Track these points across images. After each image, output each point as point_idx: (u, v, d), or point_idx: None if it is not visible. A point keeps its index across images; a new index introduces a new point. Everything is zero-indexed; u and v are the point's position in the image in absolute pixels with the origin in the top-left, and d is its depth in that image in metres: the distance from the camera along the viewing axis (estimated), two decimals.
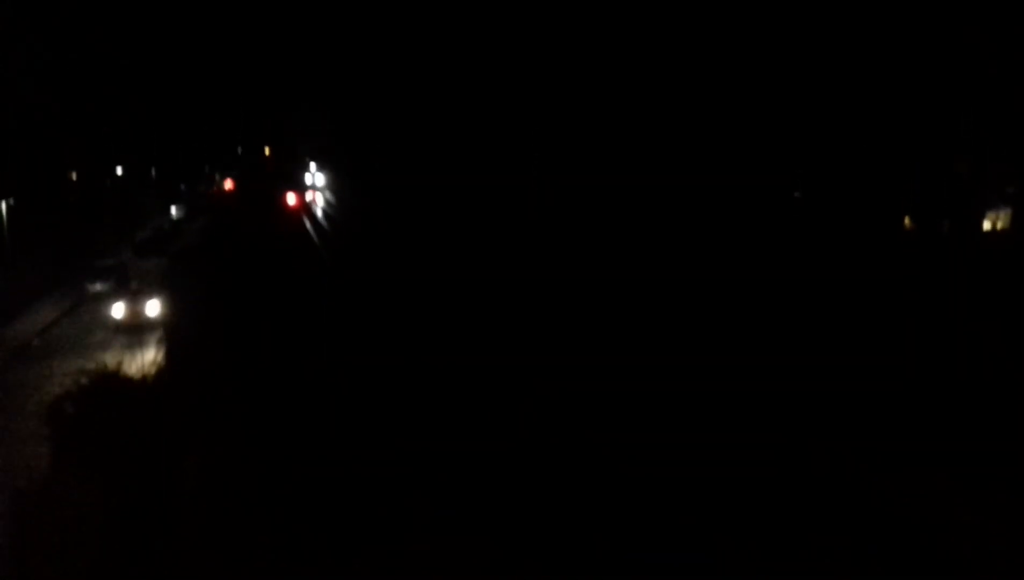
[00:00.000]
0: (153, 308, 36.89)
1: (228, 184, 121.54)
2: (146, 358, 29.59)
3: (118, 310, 36.87)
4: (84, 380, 28.24)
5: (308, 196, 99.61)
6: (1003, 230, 35.36)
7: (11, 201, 50.99)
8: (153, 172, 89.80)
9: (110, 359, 31.36)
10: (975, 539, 15.54)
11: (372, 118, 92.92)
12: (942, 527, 15.96)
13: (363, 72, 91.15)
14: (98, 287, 44.20)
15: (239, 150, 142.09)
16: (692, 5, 43.83)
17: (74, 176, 66.53)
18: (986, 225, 35.68)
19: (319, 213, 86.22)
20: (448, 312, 32.69)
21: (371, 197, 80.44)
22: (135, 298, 37.46)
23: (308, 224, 69.28)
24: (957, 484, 17.69)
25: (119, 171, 78.15)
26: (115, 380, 28.22)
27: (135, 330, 35.90)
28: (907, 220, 38.21)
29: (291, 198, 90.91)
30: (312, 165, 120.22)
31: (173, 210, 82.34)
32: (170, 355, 31.70)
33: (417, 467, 19.69)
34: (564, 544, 15.82)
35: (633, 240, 45.54)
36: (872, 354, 26.61)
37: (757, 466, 19.18)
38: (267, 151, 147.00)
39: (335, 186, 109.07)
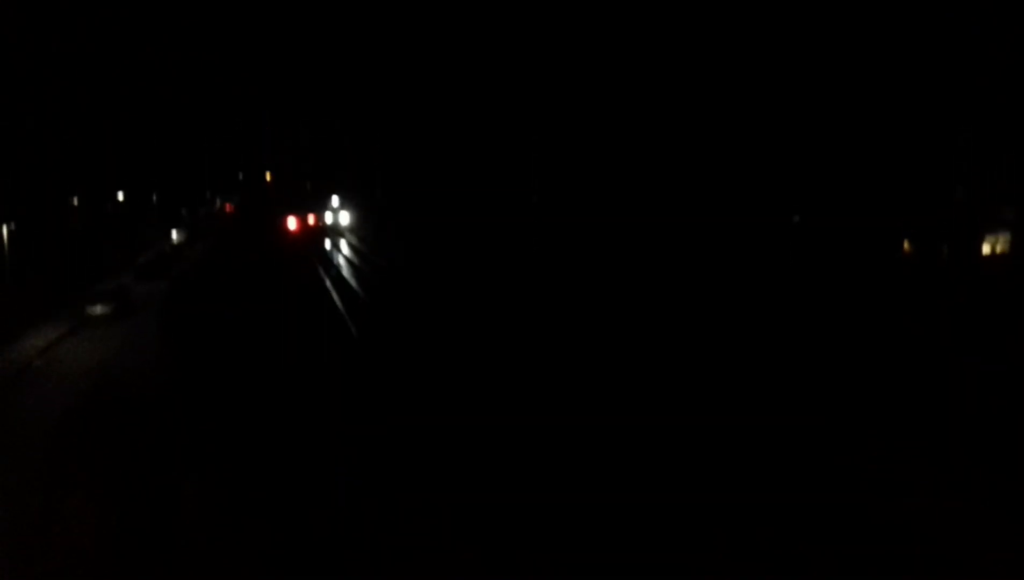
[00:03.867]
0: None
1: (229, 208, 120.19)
2: None
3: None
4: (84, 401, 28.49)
5: (327, 240, 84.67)
6: (1002, 253, 35.49)
7: (12, 225, 51.13)
8: (154, 197, 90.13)
9: (110, 379, 31.62)
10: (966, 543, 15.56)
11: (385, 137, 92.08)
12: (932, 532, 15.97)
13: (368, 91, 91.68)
14: (99, 310, 44.24)
15: (240, 176, 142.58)
16: (690, 26, 44.35)
17: (75, 201, 66.74)
18: (985, 249, 35.84)
19: (342, 262, 66.16)
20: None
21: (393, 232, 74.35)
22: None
23: (328, 283, 53.84)
24: (956, 497, 17.69)
25: (120, 196, 78.45)
26: (116, 401, 28.38)
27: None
28: (906, 244, 38.38)
29: (292, 222, 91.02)
30: (335, 199, 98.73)
31: (174, 234, 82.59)
32: (170, 374, 31.84)
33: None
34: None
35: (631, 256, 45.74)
36: (872, 377, 26.64)
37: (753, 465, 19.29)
38: (268, 176, 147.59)
39: (364, 225, 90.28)
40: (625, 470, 19.23)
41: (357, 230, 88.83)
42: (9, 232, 50.32)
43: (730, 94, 42.89)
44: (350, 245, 78.02)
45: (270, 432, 24.37)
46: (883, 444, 19.84)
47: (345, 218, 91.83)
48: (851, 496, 17.35)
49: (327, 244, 79.57)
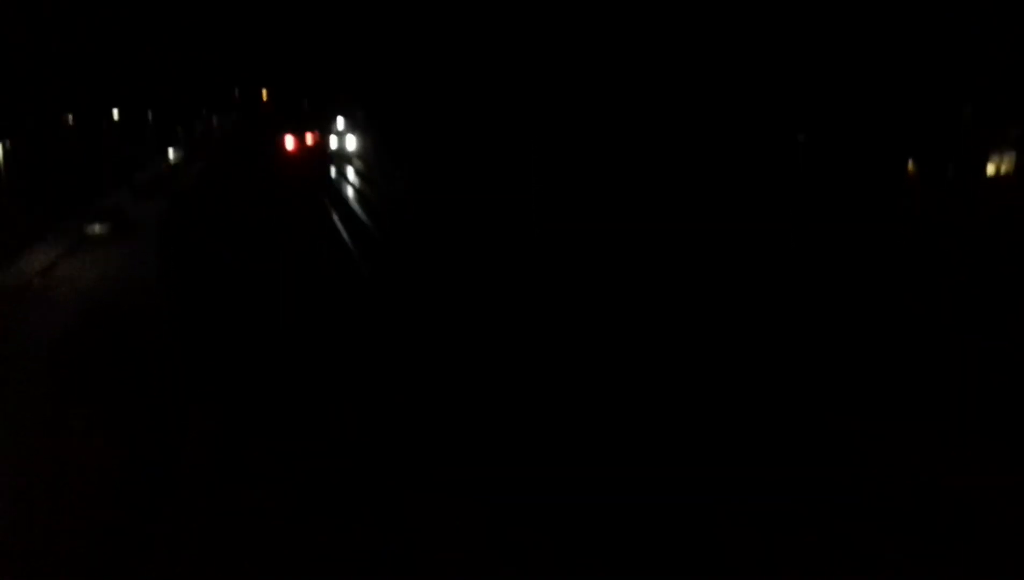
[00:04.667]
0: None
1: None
2: None
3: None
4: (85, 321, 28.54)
5: (334, 146, 78.08)
6: (1007, 174, 35.12)
7: (7, 144, 50.56)
8: (150, 114, 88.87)
9: (110, 300, 31.62)
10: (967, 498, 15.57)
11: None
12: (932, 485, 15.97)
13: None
14: (97, 229, 44.06)
15: (236, 92, 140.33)
16: None
17: (71, 119, 65.87)
18: (990, 169, 35.44)
19: (347, 189, 60.69)
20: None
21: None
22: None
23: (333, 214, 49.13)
24: (951, 438, 17.73)
25: (115, 114, 77.39)
26: (115, 321, 28.45)
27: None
28: (911, 164, 37.97)
29: (289, 142, 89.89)
30: (340, 121, 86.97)
31: (171, 153, 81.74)
32: (169, 294, 31.85)
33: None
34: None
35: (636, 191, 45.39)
36: (874, 301, 26.65)
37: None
38: (264, 94, 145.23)
39: (372, 151, 77.37)
40: (627, 447, 18.63)
41: (366, 156, 78.11)
42: (4, 151, 49.80)
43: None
44: (356, 172, 70.72)
45: (268, 368, 24.34)
46: (884, 424, 19.30)
47: (351, 143, 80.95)
48: (850, 471, 17.09)
49: (332, 171, 72.71)
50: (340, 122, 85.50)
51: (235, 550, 14.92)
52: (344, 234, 42.84)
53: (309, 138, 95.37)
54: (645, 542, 14.87)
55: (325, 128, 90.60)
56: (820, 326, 25.86)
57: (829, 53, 38.91)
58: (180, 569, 14.44)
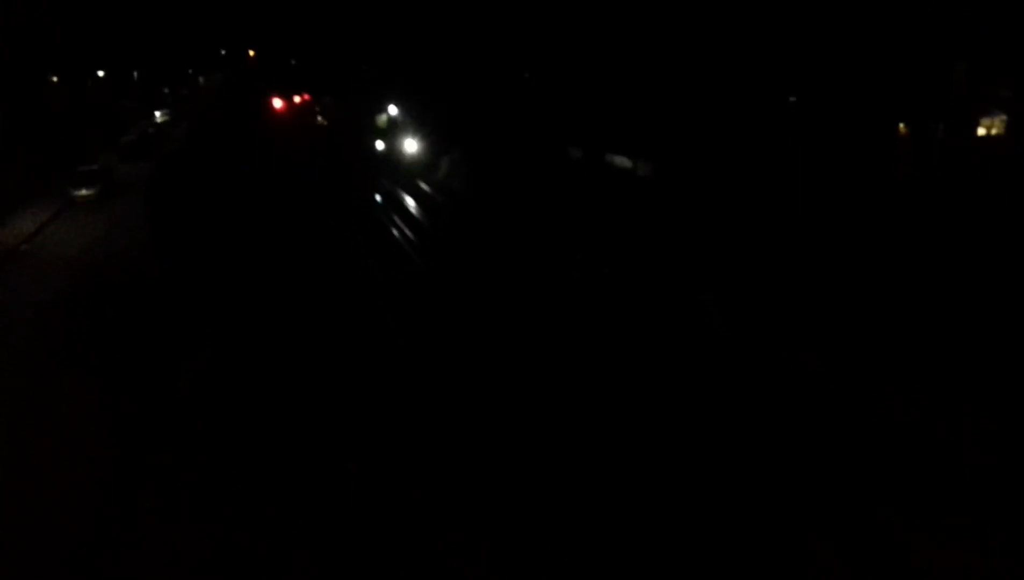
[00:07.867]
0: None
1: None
2: None
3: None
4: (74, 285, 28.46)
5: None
6: (998, 136, 35.09)
7: None
8: (135, 75, 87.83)
9: (98, 264, 31.49)
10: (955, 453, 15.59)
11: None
12: (922, 442, 15.97)
13: None
14: (83, 193, 43.72)
15: (223, 52, 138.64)
16: None
17: (55, 79, 64.95)
18: (980, 131, 35.39)
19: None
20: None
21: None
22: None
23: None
24: (937, 397, 17.70)
25: (101, 74, 76.40)
26: (105, 285, 28.38)
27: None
28: (902, 125, 37.91)
29: (277, 102, 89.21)
30: (392, 109, 58.53)
31: (157, 114, 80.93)
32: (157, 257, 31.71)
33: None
34: None
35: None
36: (860, 263, 26.68)
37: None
38: (251, 54, 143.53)
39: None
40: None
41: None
42: None
43: None
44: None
45: (255, 318, 24.45)
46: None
47: (412, 145, 51.76)
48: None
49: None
50: (392, 110, 58.79)
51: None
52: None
53: (298, 98, 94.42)
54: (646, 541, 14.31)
55: (367, 112, 66.28)
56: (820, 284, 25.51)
57: (820, 11, 38.59)
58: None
